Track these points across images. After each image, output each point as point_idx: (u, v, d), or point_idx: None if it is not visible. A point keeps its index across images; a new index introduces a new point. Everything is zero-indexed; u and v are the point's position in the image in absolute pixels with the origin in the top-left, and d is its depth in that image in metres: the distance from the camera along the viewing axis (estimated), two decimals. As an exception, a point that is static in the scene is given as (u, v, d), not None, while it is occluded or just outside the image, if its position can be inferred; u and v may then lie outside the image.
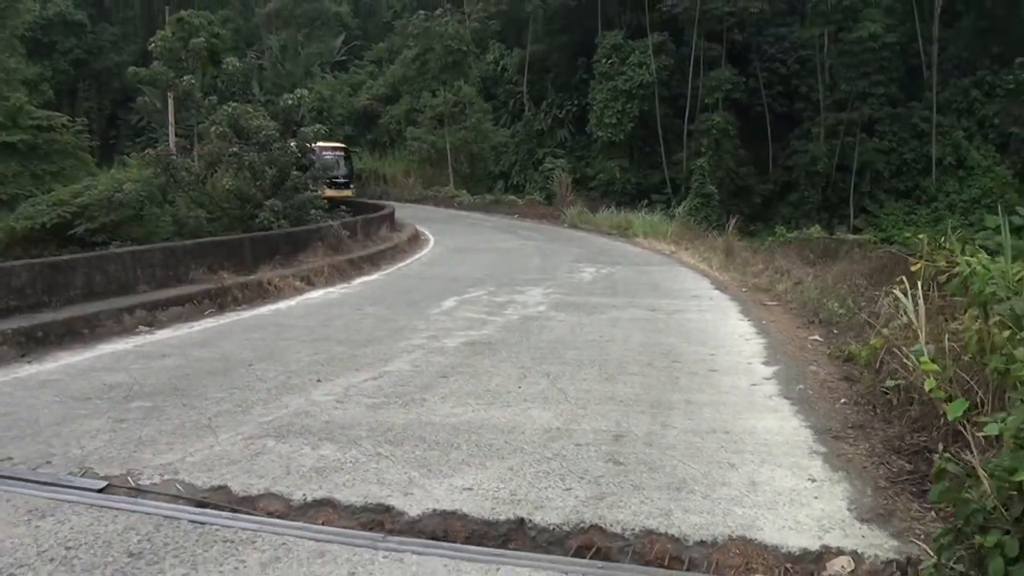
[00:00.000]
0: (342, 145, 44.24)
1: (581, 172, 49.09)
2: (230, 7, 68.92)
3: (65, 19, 66.02)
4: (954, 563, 3.50)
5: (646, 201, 44.06)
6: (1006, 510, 3.38)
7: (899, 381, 5.92)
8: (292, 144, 22.88)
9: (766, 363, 8.52)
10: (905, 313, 6.32)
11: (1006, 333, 4.52)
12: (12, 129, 35.95)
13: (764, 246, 28.28)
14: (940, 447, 4.18)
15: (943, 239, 7.92)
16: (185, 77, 25.70)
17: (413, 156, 50.19)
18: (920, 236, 7.91)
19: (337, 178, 41.19)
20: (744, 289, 15.06)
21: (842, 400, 6.80)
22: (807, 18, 46.95)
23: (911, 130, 44.55)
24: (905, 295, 6.43)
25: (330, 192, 39.24)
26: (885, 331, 7.21)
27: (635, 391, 7.19)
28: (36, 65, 50.83)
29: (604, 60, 47.44)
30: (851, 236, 33.22)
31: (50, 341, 9.11)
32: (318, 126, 27.01)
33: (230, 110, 22.50)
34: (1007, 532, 3.32)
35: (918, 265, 6.82)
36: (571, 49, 52.83)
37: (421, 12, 49.24)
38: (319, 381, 7.47)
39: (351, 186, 43.46)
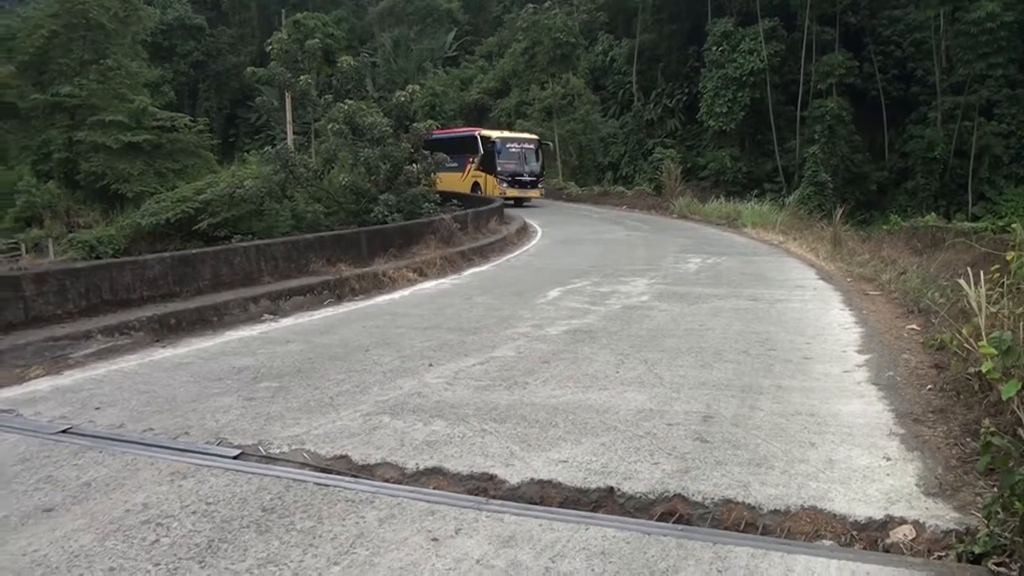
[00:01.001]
0: (533, 137, 41.70)
1: (691, 162, 49.03)
2: (343, 6, 70.76)
3: (184, 23, 68.85)
4: (1002, 530, 3.83)
5: (757, 191, 43.83)
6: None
7: (979, 368, 6.17)
8: (405, 141, 23.67)
9: (860, 351, 8.76)
10: (967, 300, 6.55)
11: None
12: (137, 130, 37.99)
13: (872, 236, 27.93)
14: (986, 422, 4.46)
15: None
16: (302, 77, 26.77)
17: (522, 148, 50.77)
18: (1014, 225, 8.05)
19: (521, 175, 38.93)
20: (849, 279, 15.14)
21: (928, 386, 7.05)
22: (922, -1, 45.91)
23: (1031, 112, 43.19)
24: (969, 284, 6.65)
25: (513, 192, 38.00)
26: (978, 319, 7.41)
27: (728, 377, 7.56)
28: (158, 68, 53.17)
29: (714, 48, 47.23)
30: (967, 224, 32.41)
31: (182, 328, 9.91)
32: (430, 121, 27.79)
33: (346, 107, 23.41)
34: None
35: (1012, 255, 7.01)
36: (680, 37, 52.71)
37: (530, 5, 49.80)
38: (431, 365, 8.04)
39: (539, 185, 40.17)
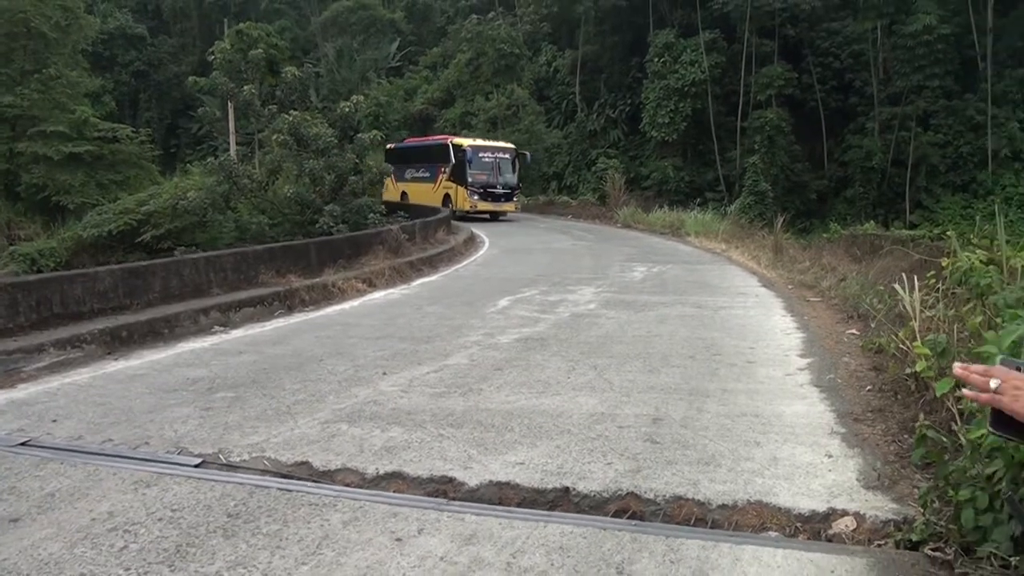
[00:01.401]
0: (509, 146, 38.93)
1: (635, 172, 49.60)
2: (286, 16, 70.46)
3: (125, 32, 68.17)
4: (937, 518, 4.08)
5: (699, 200, 44.46)
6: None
7: (915, 369, 6.48)
8: (350, 152, 23.72)
9: (802, 355, 9.09)
10: (903, 305, 6.89)
11: (979, 319, 5.08)
12: (78, 140, 37.50)
13: (812, 243, 28.58)
14: (920, 416, 4.74)
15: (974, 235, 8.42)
16: (245, 87, 26.71)
17: (468, 160, 50.83)
18: (949, 233, 8.42)
19: (494, 187, 36.56)
20: (790, 286, 15.55)
21: (868, 387, 7.36)
22: (860, 12, 47.01)
23: (967, 123, 44.40)
24: (903, 288, 7.00)
25: (485, 205, 36.11)
26: (913, 323, 7.74)
27: (676, 381, 7.81)
28: (99, 78, 52.46)
29: (656, 59, 47.87)
30: (905, 232, 33.30)
31: (133, 340, 9.92)
32: (374, 132, 27.84)
33: (290, 118, 23.40)
34: (981, 489, 3.89)
35: (946, 261, 7.35)
36: (623, 49, 53.34)
37: (474, 16, 50.06)
38: (385, 374, 8.17)
39: (515, 198, 37.90)
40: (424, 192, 37.64)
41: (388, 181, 35.52)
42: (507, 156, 37.65)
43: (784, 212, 32.43)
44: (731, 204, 41.59)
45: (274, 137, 23.95)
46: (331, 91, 57.60)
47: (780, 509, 4.65)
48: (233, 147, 36.96)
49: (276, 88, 29.89)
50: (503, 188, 36.74)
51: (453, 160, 36.94)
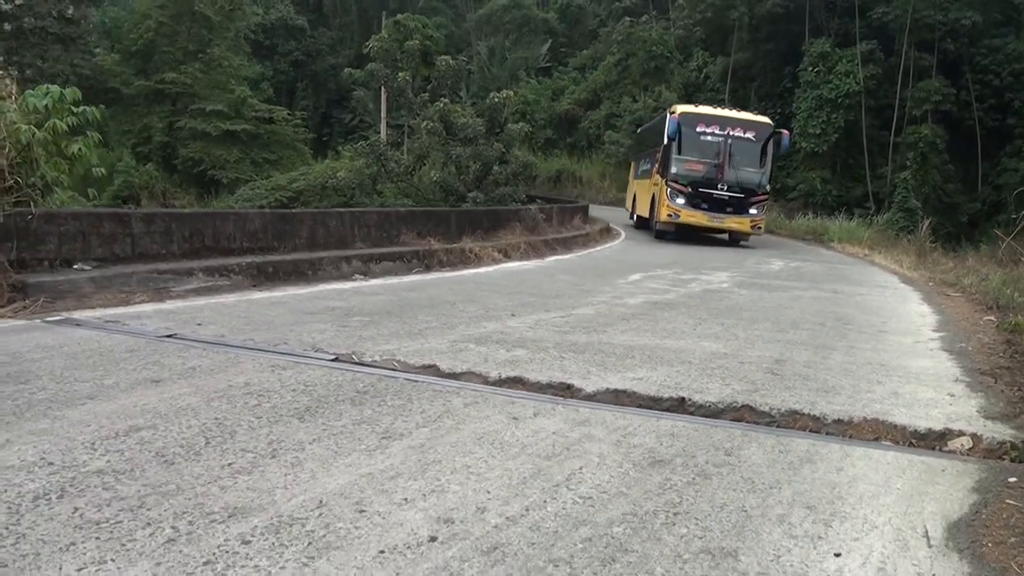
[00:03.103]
0: (758, 119, 24.66)
1: (781, 182, 48.61)
2: (442, 13, 71.85)
3: (287, 23, 70.64)
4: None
5: (846, 213, 43.35)
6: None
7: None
8: (497, 142, 24.09)
9: (935, 330, 8.91)
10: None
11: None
12: (236, 119, 39.24)
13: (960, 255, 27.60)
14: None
15: None
16: (400, 74, 27.43)
17: (609, 160, 50.76)
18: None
19: (716, 187, 23.30)
20: (931, 283, 15.16)
21: (998, 354, 7.19)
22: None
23: None
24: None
25: (695, 217, 23.40)
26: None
27: (803, 338, 7.78)
28: (258, 64, 54.57)
29: (810, 68, 46.81)
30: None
31: (278, 277, 10.38)
32: (521, 124, 28.17)
33: (440, 106, 23.92)
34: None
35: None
36: (776, 57, 52.35)
37: (627, 19, 49.94)
38: (513, 315, 8.37)
39: (755, 209, 23.71)
40: (644, 193, 27.80)
41: (630, 176, 31.85)
42: (750, 136, 23.65)
43: (932, 230, 31.36)
44: (879, 218, 40.39)
45: (423, 124, 24.49)
46: (481, 88, 58.40)
47: (896, 426, 4.63)
48: (383, 133, 37.99)
49: (428, 79, 30.61)
50: (733, 190, 23.30)
51: (664, 139, 24.16)
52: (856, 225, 30.62)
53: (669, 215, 23.48)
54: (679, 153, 23.37)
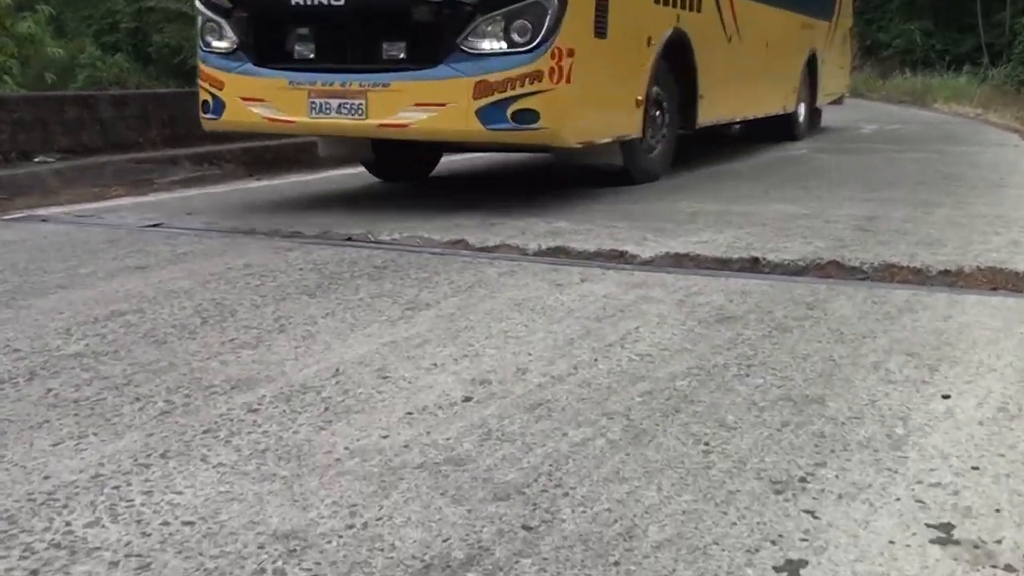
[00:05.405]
0: None
1: (871, 38, 47.73)
2: None
3: None
4: None
5: (953, 71, 42.51)
6: None
7: None
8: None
9: (1068, 185, 8.83)
10: None
11: None
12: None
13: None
14: None
15: None
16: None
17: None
18: None
19: None
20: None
21: None
22: None
23: None
24: None
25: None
26: None
27: (900, 195, 7.75)
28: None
29: None
30: None
31: (278, 165, 10.37)
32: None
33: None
34: None
35: None
36: None
37: None
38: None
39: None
40: None
41: None
42: None
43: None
44: (994, 71, 39.59)
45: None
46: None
47: (1016, 273, 4.61)
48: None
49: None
50: None
51: None
52: (966, 82, 30.05)
53: None
54: None
